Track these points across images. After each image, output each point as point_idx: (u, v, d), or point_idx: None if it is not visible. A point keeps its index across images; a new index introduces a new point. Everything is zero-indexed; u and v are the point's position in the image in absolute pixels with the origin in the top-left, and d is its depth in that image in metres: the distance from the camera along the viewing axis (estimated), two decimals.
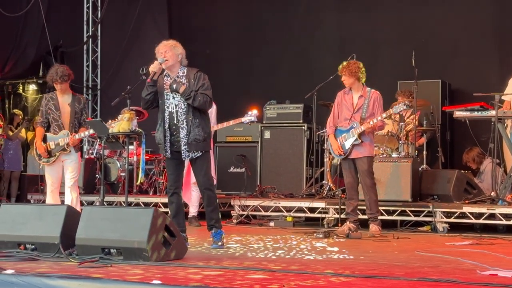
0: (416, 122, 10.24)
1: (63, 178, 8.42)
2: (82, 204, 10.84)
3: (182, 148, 6.71)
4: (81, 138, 8.28)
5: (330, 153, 10.59)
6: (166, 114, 6.77)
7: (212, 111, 9.34)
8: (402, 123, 10.10)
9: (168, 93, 6.77)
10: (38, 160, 8.41)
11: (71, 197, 8.21)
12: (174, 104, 6.75)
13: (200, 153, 6.75)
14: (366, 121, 8.22)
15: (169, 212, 6.94)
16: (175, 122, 6.74)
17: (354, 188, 8.36)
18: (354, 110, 8.30)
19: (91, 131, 8.19)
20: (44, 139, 8.28)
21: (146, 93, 6.77)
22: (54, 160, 8.20)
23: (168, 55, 6.75)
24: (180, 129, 6.73)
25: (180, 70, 6.83)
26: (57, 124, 8.20)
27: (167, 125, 6.76)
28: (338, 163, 9.43)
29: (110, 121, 8.01)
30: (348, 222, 8.34)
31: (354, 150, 8.26)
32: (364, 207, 8.60)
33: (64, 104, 8.22)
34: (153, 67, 6.71)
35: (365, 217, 8.65)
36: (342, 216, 9.31)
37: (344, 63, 8.37)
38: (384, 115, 8.33)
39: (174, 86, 6.69)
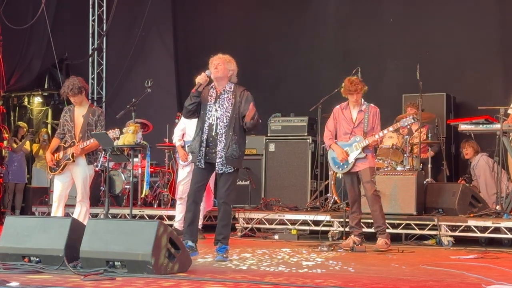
0: (424, 136, 10.25)
1: (72, 191, 8.38)
2: None
3: (217, 160, 6.76)
4: (87, 149, 8.09)
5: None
6: (205, 125, 6.82)
7: None
8: (407, 136, 10.10)
9: (210, 105, 6.84)
10: (49, 171, 8.38)
11: (79, 211, 8.13)
12: (215, 116, 6.82)
13: (232, 169, 6.81)
14: (368, 135, 8.22)
15: (185, 220, 6.96)
16: (214, 134, 6.80)
17: (357, 202, 8.35)
18: (355, 124, 8.31)
19: (91, 141, 8.10)
20: (58, 150, 8.26)
21: (189, 102, 6.82)
22: (60, 170, 8.13)
23: (220, 67, 6.88)
24: (218, 142, 6.78)
25: (227, 85, 6.93)
26: (70, 135, 8.17)
27: (205, 136, 6.81)
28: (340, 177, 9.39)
29: (111, 130, 8.01)
30: (352, 236, 8.32)
31: (357, 163, 8.24)
32: (369, 220, 8.58)
33: (78, 115, 8.19)
34: (199, 78, 6.81)
35: (370, 230, 8.63)
36: (347, 229, 9.29)
37: (353, 79, 8.32)
38: (391, 129, 8.37)
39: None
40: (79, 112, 8.21)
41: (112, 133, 7.96)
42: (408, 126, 8.98)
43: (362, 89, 8.27)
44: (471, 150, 10.76)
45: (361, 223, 8.44)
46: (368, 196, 8.20)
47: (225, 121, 6.78)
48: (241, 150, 6.86)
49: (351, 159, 8.25)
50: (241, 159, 6.88)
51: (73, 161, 8.08)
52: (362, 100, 8.37)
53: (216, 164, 6.78)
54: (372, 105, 8.38)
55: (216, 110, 6.82)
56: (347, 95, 8.33)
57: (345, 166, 8.30)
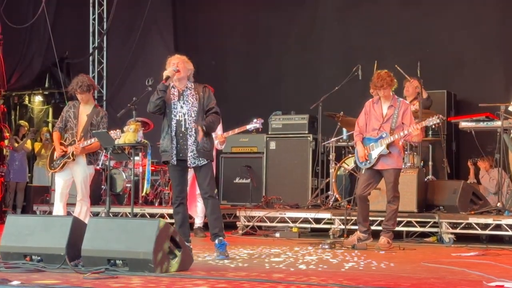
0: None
1: (72, 189, 8.32)
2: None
3: (189, 154, 6.83)
4: (87, 148, 8.05)
5: (335, 164, 10.62)
6: (173, 122, 6.87)
7: None
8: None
9: (175, 103, 6.89)
10: (49, 168, 8.32)
11: (79, 210, 8.10)
12: (182, 113, 6.88)
13: (206, 161, 6.87)
14: (395, 131, 8.05)
15: (175, 223, 6.99)
16: (183, 130, 6.86)
17: (366, 199, 8.23)
18: (384, 120, 8.12)
19: (93, 140, 8.04)
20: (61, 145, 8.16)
21: (156, 97, 6.85)
22: (59, 167, 8.09)
23: (180, 66, 6.91)
24: (188, 136, 6.84)
25: (188, 83, 6.98)
26: (72, 132, 8.12)
27: (173, 133, 6.86)
28: (347, 171, 9.31)
29: (112, 131, 8.00)
30: (358, 232, 8.27)
31: (380, 161, 8.08)
32: (374, 218, 8.55)
33: (82, 114, 8.15)
34: (168, 72, 6.85)
35: (377, 228, 8.61)
36: (348, 227, 9.30)
37: (382, 73, 8.08)
38: (416, 126, 8.03)
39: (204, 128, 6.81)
40: (84, 111, 8.18)
41: (113, 134, 7.95)
42: (433, 126, 8.66)
43: (391, 84, 8.07)
44: (487, 164, 10.87)
45: (369, 219, 8.35)
46: (389, 197, 8.11)
47: (193, 115, 6.86)
48: (212, 142, 6.98)
49: (374, 154, 8.08)
50: (212, 150, 6.99)
51: (73, 159, 8.06)
52: (394, 95, 8.20)
53: (188, 159, 6.84)
54: (404, 100, 8.22)
55: (182, 107, 6.88)
56: (375, 90, 8.20)
57: (368, 162, 8.15)
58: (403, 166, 8.77)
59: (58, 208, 8.13)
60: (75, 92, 8.16)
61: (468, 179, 11.21)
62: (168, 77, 6.83)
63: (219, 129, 9.33)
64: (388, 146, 8.03)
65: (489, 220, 8.74)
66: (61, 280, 5.04)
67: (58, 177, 8.23)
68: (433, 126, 8.41)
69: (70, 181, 8.21)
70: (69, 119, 8.18)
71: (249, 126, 9.61)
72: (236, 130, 9.81)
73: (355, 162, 8.61)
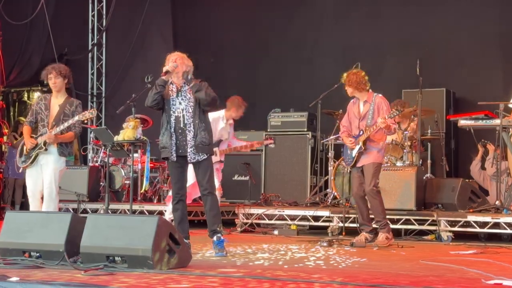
0: (415, 128, 10.23)
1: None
2: (86, 212, 10.88)
3: (188, 150, 6.86)
4: (61, 137, 7.53)
5: (334, 162, 10.63)
6: (172, 119, 6.92)
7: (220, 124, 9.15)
8: (407, 132, 10.10)
9: (173, 99, 6.94)
10: (19, 164, 7.87)
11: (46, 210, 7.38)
12: (180, 108, 6.93)
13: (206, 156, 6.91)
14: (370, 128, 8.13)
15: (174, 219, 7.01)
16: (181, 126, 6.90)
17: (362, 198, 8.26)
18: (361, 117, 8.21)
19: (66, 124, 7.53)
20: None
21: (155, 91, 6.90)
22: (31, 161, 7.62)
23: (179, 62, 6.95)
24: (187, 132, 6.88)
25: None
26: (43, 124, 7.64)
27: (172, 129, 6.91)
28: (348, 171, 9.33)
29: (86, 111, 7.70)
30: (364, 233, 8.25)
31: (361, 157, 8.17)
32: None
33: (54, 105, 7.69)
34: (168, 67, 6.89)
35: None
36: (346, 224, 9.31)
37: (344, 74, 8.28)
38: (379, 120, 7.97)
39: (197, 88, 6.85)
40: (56, 102, 7.72)
41: (87, 114, 7.52)
42: (394, 118, 8.66)
43: (349, 83, 8.14)
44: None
45: (370, 218, 8.34)
46: (367, 191, 8.16)
47: (190, 111, 6.91)
48: (210, 136, 7.01)
49: (354, 153, 8.19)
50: (211, 146, 7.02)
51: (46, 149, 7.56)
52: (369, 91, 8.22)
53: (188, 154, 6.87)
54: (379, 95, 8.25)
55: (180, 103, 6.94)
56: None
57: (350, 160, 8.26)
58: (384, 163, 8.78)
59: (32, 206, 7.61)
60: (55, 74, 7.60)
61: (474, 160, 11.09)
62: (167, 71, 6.86)
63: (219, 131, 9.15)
64: (364, 143, 8.11)
65: (488, 218, 8.75)
66: (60, 277, 5.04)
67: (28, 176, 7.71)
68: (395, 119, 8.32)
69: (40, 179, 7.62)
70: (40, 111, 7.70)
71: (266, 142, 9.67)
72: (249, 147, 9.73)
73: None
